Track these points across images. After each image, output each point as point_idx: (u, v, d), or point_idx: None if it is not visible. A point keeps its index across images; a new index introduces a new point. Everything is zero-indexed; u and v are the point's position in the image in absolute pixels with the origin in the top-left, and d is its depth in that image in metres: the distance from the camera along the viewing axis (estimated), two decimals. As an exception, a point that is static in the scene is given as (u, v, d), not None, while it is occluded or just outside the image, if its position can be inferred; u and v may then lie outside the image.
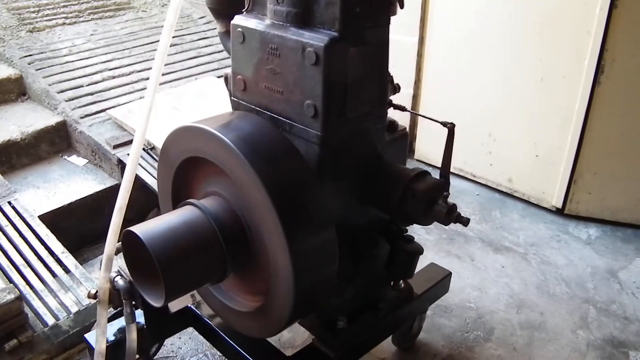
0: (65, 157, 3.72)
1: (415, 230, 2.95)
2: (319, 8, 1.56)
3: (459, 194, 3.67)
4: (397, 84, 1.96)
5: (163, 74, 3.95)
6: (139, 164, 3.32)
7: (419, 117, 4.03)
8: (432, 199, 1.73)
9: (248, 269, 1.73)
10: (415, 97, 3.94)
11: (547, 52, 3.23)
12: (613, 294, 2.87)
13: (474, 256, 3.09)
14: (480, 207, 3.56)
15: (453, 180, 3.56)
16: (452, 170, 3.78)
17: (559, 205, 3.47)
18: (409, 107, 3.81)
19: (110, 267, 2.41)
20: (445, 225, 1.75)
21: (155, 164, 3.27)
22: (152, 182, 3.17)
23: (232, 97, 1.90)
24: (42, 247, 2.78)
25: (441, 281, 2.28)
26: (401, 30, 3.72)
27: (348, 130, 1.68)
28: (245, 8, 1.78)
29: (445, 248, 3.15)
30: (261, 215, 1.57)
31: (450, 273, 2.32)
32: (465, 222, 1.71)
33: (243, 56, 1.78)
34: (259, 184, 1.50)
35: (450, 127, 1.79)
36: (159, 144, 3.29)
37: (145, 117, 2.43)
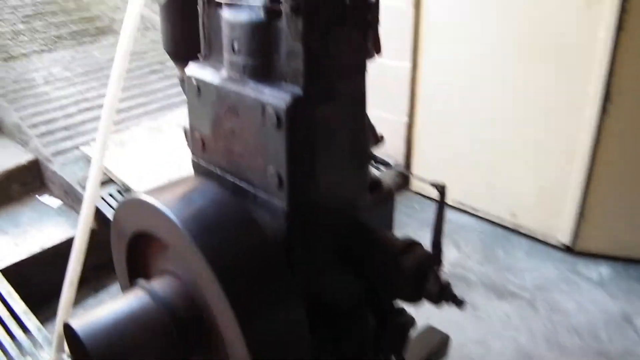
0: (38, 196, 3.48)
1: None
2: (279, 59, 1.32)
3: (459, 229, 3.42)
4: (381, 135, 1.72)
5: (141, 104, 3.73)
6: (112, 207, 3.09)
7: (415, 143, 3.79)
8: (422, 275, 1.48)
9: (206, 355, 1.49)
10: (410, 127, 3.69)
11: (550, 79, 2.98)
12: (629, 344, 2.61)
13: (476, 305, 2.83)
14: (482, 245, 3.31)
15: (452, 215, 3.33)
16: (451, 203, 3.56)
17: (567, 241, 3.21)
18: (402, 137, 3.59)
19: (62, 347, 2.17)
20: (436, 305, 1.50)
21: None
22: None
23: (191, 156, 1.66)
24: (2, 306, 2.54)
25: (438, 348, 2.03)
26: (392, 54, 3.48)
27: (320, 198, 1.43)
28: (202, 53, 1.54)
29: (445, 294, 2.90)
30: (213, 300, 1.33)
31: (449, 337, 2.06)
32: (460, 304, 1.46)
33: (200, 111, 1.54)
34: (206, 265, 1.27)
35: (441, 190, 1.53)
36: (135, 185, 3.05)
37: (96, 162, 2.21)
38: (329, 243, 1.52)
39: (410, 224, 3.42)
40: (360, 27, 1.33)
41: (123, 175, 3.14)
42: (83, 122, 3.68)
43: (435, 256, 1.53)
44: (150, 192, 1.46)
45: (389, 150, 3.82)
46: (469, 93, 3.34)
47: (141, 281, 1.49)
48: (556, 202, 3.18)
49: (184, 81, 1.70)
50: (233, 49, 1.37)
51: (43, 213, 3.34)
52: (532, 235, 3.34)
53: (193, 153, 1.65)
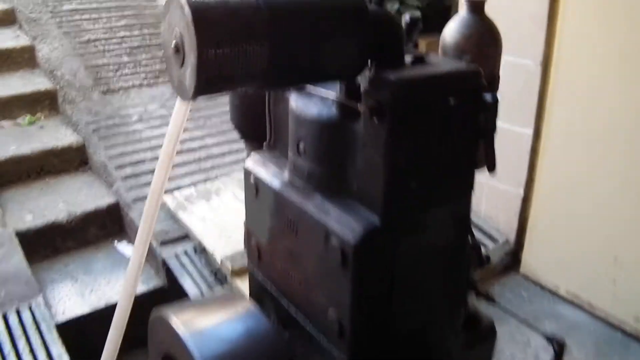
0: (116, 242, 3.30)
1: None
2: (354, 172, 0.98)
3: (570, 329, 2.92)
4: (486, 255, 1.34)
5: (235, 151, 3.49)
6: (183, 267, 2.84)
7: (529, 218, 3.34)
8: None
9: None
10: (525, 201, 3.23)
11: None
12: None
13: None
14: (596, 351, 2.79)
15: (564, 310, 2.88)
16: (564, 294, 3.08)
17: None
18: (516, 211, 3.16)
19: None
20: None
21: (205, 271, 2.78)
22: (194, 294, 2.66)
23: (247, 263, 1.35)
24: (51, 370, 2.33)
25: None
26: (512, 118, 3.06)
27: (396, 347, 1.07)
28: (267, 141, 1.23)
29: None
30: None
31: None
32: None
33: (257, 215, 1.23)
34: None
35: (559, 348, 1.13)
36: (211, 246, 2.79)
37: (148, 223, 1.95)
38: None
39: (514, 317, 2.96)
40: (469, 133, 0.98)
41: (200, 232, 2.89)
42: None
43: None
44: (180, 311, 1.16)
45: (500, 224, 3.36)
46: (596, 169, 2.86)
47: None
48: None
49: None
50: (298, 149, 1.05)
51: (117, 262, 3.15)
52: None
53: (249, 260, 1.34)
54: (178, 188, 3.24)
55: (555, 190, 3.12)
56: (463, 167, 1.00)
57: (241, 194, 3.14)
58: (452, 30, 1.02)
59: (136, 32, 4.60)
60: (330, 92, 0.97)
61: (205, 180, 3.33)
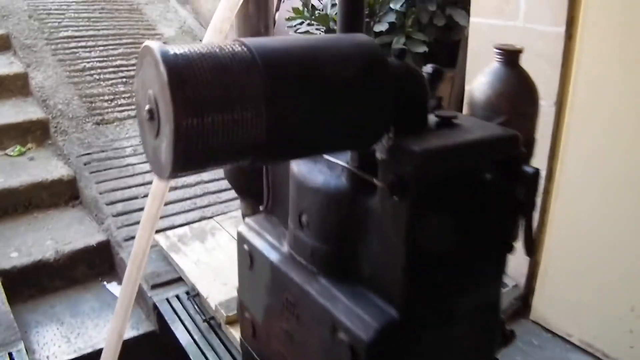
0: (105, 283, 3.13)
1: None
2: (367, 253, 0.82)
3: (584, 380, 2.75)
4: (510, 330, 1.17)
5: (229, 188, 3.33)
6: (175, 312, 2.67)
7: (541, 262, 3.17)
8: None
9: None
10: (537, 244, 3.08)
11: None
12: None
13: None
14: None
15: (577, 358, 2.71)
16: (577, 343, 2.91)
17: None
18: (526, 261, 2.99)
19: None
20: None
21: (198, 317, 2.60)
22: (187, 341, 2.49)
23: (240, 336, 1.18)
24: None
25: None
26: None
27: None
28: (264, 205, 1.07)
29: None
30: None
31: None
32: None
33: (251, 287, 1.07)
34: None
35: None
36: (205, 291, 2.61)
37: (136, 264, 1.79)
38: None
39: (526, 365, 2.79)
40: (505, 212, 0.82)
41: (194, 276, 2.72)
42: (164, 204, 3.32)
43: None
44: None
45: (509, 267, 3.21)
46: (612, 213, 2.70)
47: None
48: None
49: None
50: (300, 222, 0.89)
51: (105, 303, 2.98)
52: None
53: (242, 333, 1.17)
54: (171, 227, 3.07)
55: (568, 233, 2.96)
56: (496, 249, 0.84)
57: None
58: (482, 84, 0.86)
59: (133, 61, 4.47)
60: (340, 158, 0.82)
61: (200, 219, 3.17)
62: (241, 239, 1.05)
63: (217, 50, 0.60)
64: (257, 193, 1.13)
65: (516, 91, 0.85)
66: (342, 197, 0.81)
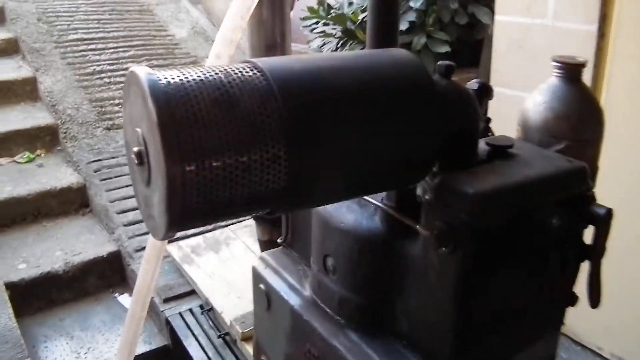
0: (116, 295, 3.02)
1: None
2: (405, 308, 0.69)
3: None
4: None
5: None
6: (188, 327, 2.55)
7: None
8: None
9: None
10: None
11: None
12: None
13: None
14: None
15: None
16: (608, 357, 2.77)
17: None
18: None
19: None
20: None
21: (211, 333, 2.48)
22: (200, 358, 2.37)
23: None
24: None
25: None
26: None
27: None
28: (283, 238, 0.94)
29: None
30: None
31: None
32: None
33: (269, 330, 0.94)
34: None
35: None
36: (218, 304, 2.49)
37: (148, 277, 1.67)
38: None
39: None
40: (570, 259, 0.68)
41: (208, 290, 2.59)
42: (177, 211, 3.21)
43: None
44: None
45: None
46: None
47: None
48: None
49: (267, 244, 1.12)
50: (325, 266, 0.76)
51: (117, 316, 2.87)
52: None
53: (257, 377, 1.04)
54: (184, 237, 2.95)
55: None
56: (558, 302, 0.70)
57: (253, 244, 2.85)
58: (538, 105, 0.72)
59: (144, 64, 4.36)
60: (373, 195, 0.69)
61: (214, 228, 3.05)
62: (257, 277, 0.92)
63: (222, 76, 0.47)
64: (275, 218, 1.01)
65: (579, 114, 0.71)
66: (375, 241, 0.68)
